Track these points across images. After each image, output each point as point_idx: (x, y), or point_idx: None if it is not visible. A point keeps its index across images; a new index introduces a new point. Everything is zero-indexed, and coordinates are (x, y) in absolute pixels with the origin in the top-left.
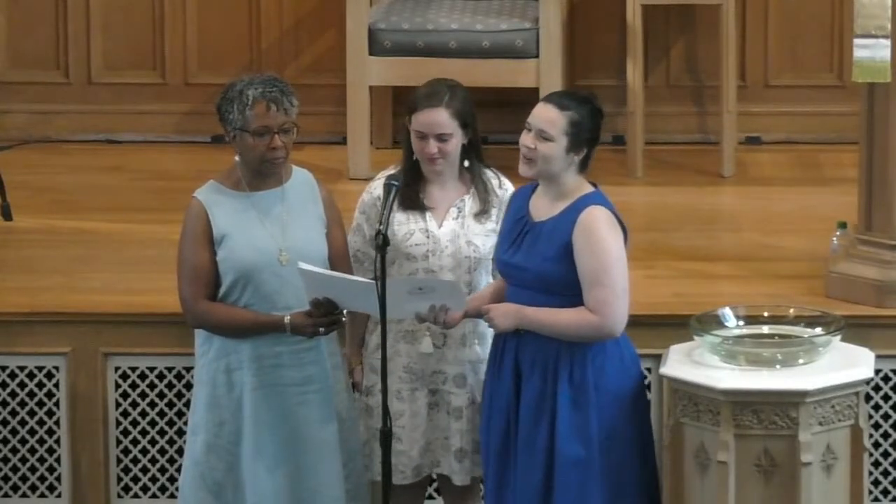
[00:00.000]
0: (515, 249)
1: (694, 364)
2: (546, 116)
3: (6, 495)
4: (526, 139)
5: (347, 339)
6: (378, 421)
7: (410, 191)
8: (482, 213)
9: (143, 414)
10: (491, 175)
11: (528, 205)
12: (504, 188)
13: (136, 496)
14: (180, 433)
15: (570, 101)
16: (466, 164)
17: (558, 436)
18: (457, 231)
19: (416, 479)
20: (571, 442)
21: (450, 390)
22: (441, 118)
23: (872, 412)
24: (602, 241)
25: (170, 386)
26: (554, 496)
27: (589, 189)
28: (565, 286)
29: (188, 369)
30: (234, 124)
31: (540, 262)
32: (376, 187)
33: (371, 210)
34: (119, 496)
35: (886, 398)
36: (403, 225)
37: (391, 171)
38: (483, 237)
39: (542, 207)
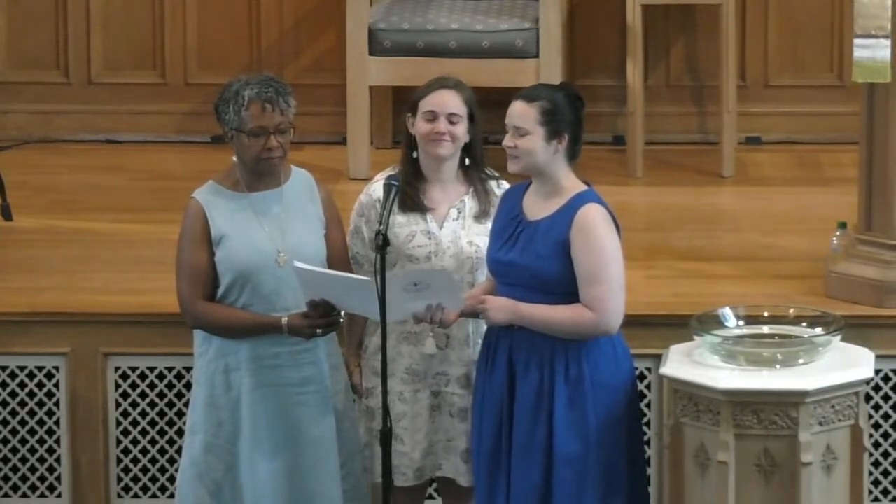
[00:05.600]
0: (510, 247)
1: (694, 364)
2: (517, 112)
3: (6, 495)
4: (506, 139)
5: (346, 342)
6: (378, 422)
7: (411, 191)
8: (482, 213)
9: (143, 414)
10: (489, 175)
11: (522, 203)
12: (502, 188)
13: (136, 496)
14: (180, 433)
15: (541, 91)
16: (467, 162)
17: (556, 434)
18: (458, 231)
19: (418, 481)
20: (569, 439)
21: (453, 391)
22: (453, 99)
23: (872, 412)
24: (599, 238)
25: (170, 386)
26: (552, 494)
27: (582, 187)
28: (560, 284)
29: (188, 369)
30: (231, 125)
31: (535, 260)
32: (375, 189)
33: (370, 212)
34: (119, 496)
35: (886, 398)
36: (405, 227)
37: (389, 172)
38: (484, 237)
39: (536, 206)
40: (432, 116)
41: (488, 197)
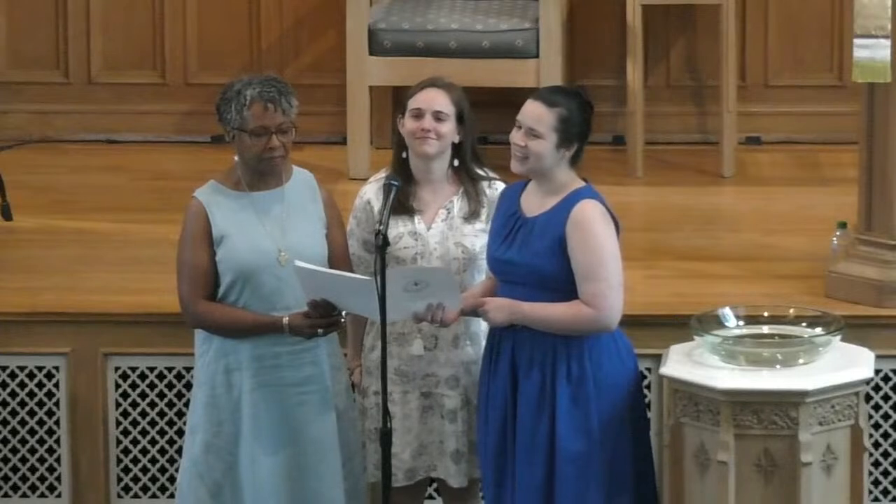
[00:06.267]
0: (508, 246)
1: (694, 364)
2: (535, 114)
3: (6, 495)
4: (516, 137)
5: (349, 340)
6: (371, 422)
7: (400, 193)
8: (472, 214)
9: (143, 414)
10: (481, 175)
11: (520, 201)
12: (494, 188)
13: (136, 496)
14: (180, 433)
15: (559, 97)
16: (456, 163)
17: (559, 432)
18: (445, 233)
19: (409, 482)
20: (572, 438)
21: (443, 392)
22: (440, 97)
23: (872, 412)
24: (596, 235)
25: (170, 386)
26: (555, 493)
27: (580, 184)
28: (558, 281)
29: (188, 369)
30: (233, 124)
31: (533, 257)
32: (366, 191)
33: (362, 214)
34: (119, 496)
35: (886, 398)
36: (392, 228)
37: (382, 174)
38: (472, 237)
39: (534, 203)
40: (418, 113)
41: (479, 198)
